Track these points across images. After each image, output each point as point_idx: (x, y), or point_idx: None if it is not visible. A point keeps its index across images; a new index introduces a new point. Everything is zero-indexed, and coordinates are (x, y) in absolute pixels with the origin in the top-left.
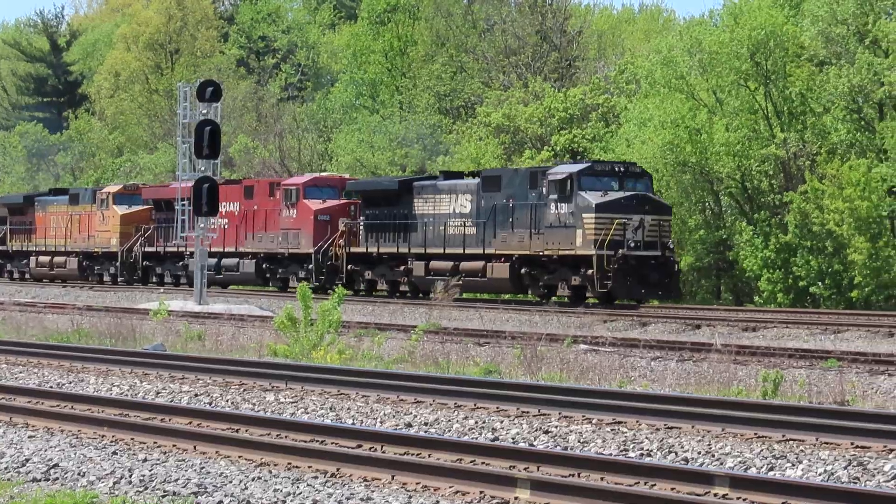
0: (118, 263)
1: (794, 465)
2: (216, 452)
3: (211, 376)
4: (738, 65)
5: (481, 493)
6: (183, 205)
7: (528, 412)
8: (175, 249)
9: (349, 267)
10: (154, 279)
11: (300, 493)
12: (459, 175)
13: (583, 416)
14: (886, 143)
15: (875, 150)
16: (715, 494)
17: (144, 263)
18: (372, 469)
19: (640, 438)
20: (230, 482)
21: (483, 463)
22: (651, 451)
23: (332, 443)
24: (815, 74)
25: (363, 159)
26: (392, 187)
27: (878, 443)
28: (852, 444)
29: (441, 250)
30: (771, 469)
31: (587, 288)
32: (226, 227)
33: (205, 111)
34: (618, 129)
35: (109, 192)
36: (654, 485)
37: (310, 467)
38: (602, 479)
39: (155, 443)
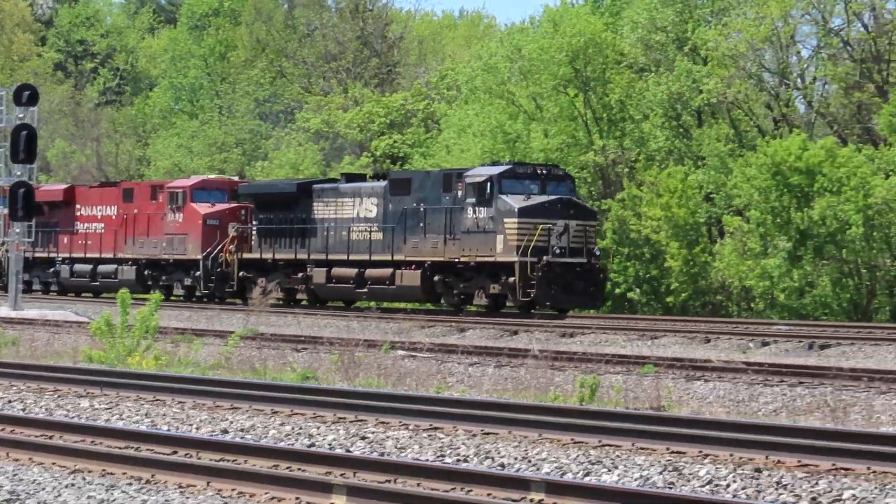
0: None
1: (610, 470)
2: (29, 459)
3: (25, 382)
4: (557, 71)
5: (297, 499)
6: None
7: (344, 418)
8: (45, 255)
9: (241, 274)
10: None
11: (114, 500)
12: (363, 178)
13: (400, 422)
14: (703, 150)
15: (692, 157)
16: (531, 500)
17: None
18: (187, 475)
19: (457, 444)
20: (43, 489)
21: (299, 469)
22: (468, 456)
23: (147, 449)
24: (635, 81)
25: (181, 164)
26: (289, 190)
27: (693, 448)
28: (668, 449)
29: (345, 256)
30: (587, 474)
31: (507, 297)
32: (102, 231)
33: (21, 115)
34: (438, 135)
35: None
36: (471, 490)
37: (124, 474)
38: (418, 484)
39: None
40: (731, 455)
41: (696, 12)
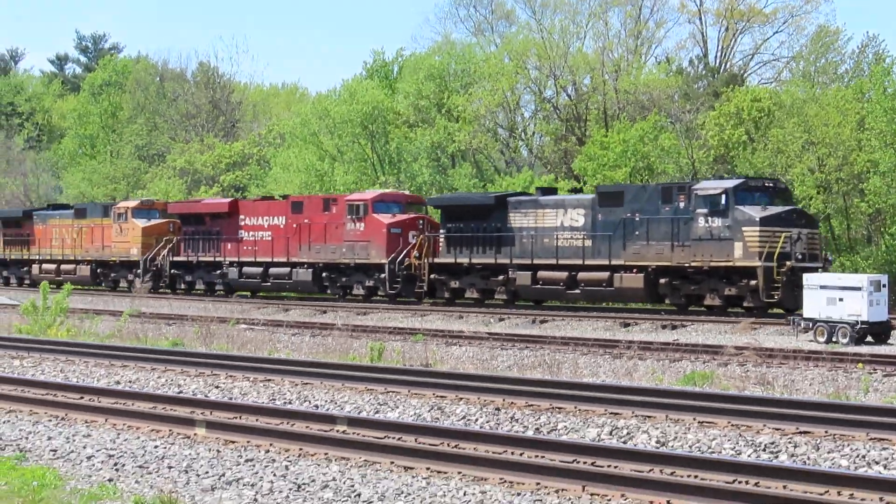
0: (139, 270)
1: (393, 409)
2: None
3: None
4: (353, 129)
5: (170, 430)
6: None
7: (203, 373)
8: (212, 259)
9: (432, 276)
10: (182, 286)
11: (38, 432)
12: (553, 191)
13: (243, 376)
14: (456, 183)
15: (449, 188)
16: (337, 430)
17: (173, 271)
18: (91, 414)
19: (284, 391)
20: None
21: (171, 409)
22: (292, 400)
23: (61, 395)
24: (408, 133)
25: (86, 192)
26: (486, 202)
27: (452, 393)
28: (434, 394)
29: (552, 261)
30: (377, 412)
31: (745, 298)
32: (270, 239)
33: None
34: (269, 171)
35: (128, 207)
36: (294, 424)
37: (46, 413)
38: (257, 420)
39: None
40: (479, 398)
41: (450, 84)
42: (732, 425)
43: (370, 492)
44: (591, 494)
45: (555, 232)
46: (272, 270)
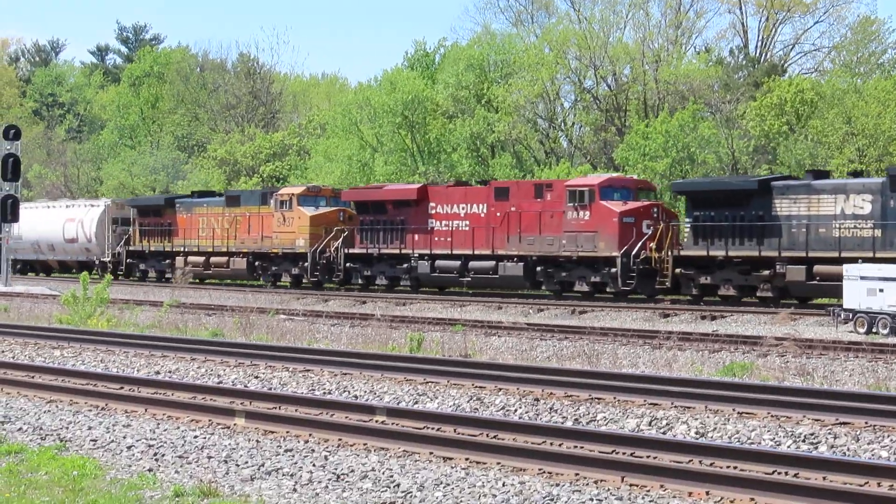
0: (307, 264)
1: (432, 399)
2: (17, 392)
3: (13, 337)
4: (393, 118)
5: (210, 420)
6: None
7: (243, 363)
8: (397, 251)
9: (677, 270)
10: (359, 280)
11: (79, 422)
12: (826, 174)
13: (283, 366)
14: (496, 173)
15: (489, 179)
16: (376, 420)
17: (348, 265)
18: (131, 404)
19: (324, 382)
20: (28, 414)
21: (211, 399)
22: (331, 390)
23: (102, 385)
24: (447, 124)
25: (125, 183)
26: (746, 187)
27: (491, 384)
28: (473, 385)
29: (834, 254)
30: (416, 403)
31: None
32: (467, 229)
33: (9, 147)
34: (308, 161)
35: (293, 194)
36: (333, 414)
37: (86, 403)
38: (296, 410)
39: None
40: (518, 389)
41: (489, 75)
42: (772, 416)
43: (409, 482)
44: (630, 485)
45: (833, 221)
46: (472, 264)
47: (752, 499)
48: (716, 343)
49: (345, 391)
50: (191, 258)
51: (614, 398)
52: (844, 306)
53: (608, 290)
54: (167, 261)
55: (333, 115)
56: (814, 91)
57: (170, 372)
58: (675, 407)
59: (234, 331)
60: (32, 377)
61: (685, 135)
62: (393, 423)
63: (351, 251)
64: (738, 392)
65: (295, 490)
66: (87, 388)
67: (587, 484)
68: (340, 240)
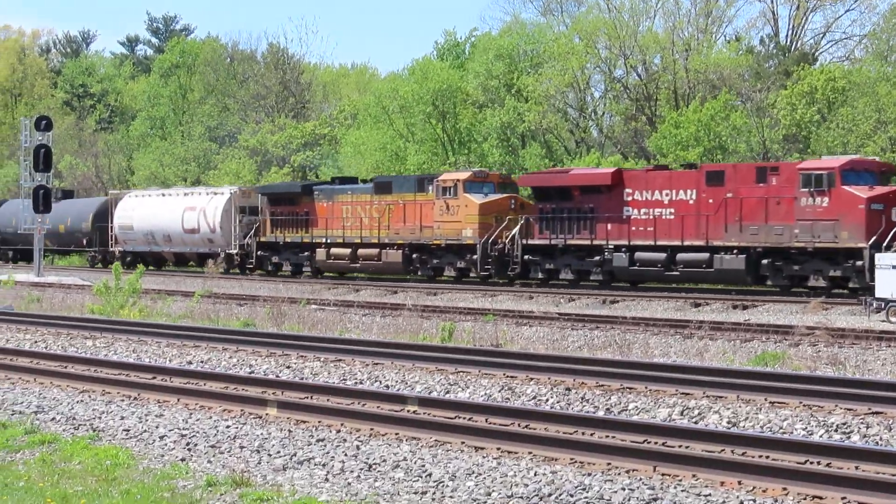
0: (475, 256)
1: (463, 389)
2: (51, 383)
3: (46, 328)
4: (424, 108)
5: (242, 410)
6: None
7: (275, 353)
8: (586, 242)
9: None
10: (539, 274)
11: (111, 412)
12: None
13: (314, 356)
14: (526, 163)
15: (519, 169)
16: (408, 410)
17: (526, 257)
18: (164, 394)
19: (355, 371)
20: (61, 404)
21: (243, 389)
22: (363, 380)
23: (134, 375)
24: (477, 114)
25: (156, 172)
26: None
27: (522, 374)
28: (504, 374)
29: None
30: (447, 392)
31: None
32: (671, 217)
33: (40, 138)
34: (338, 151)
35: (458, 180)
36: (365, 404)
37: (118, 393)
38: (328, 400)
39: (6, 376)
40: (549, 378)
41: (519, 65)
42: (804, 405)
43: (441, 471)
44: (663, 475)
45: None
46: (681, 256)
47: (784, 488)
48: (747, 332)
49: (376, 381)
50: (333, 250)
51: (646, 388)
52: (876, 296)
53: (850, 284)
54: (305, 253)
55: (365, 103)
56: (846, 79)
57: (202, 362)
58: (707, 396)
59: (266, 321)
60: (65, 367)
61: (716, 124)
62: (424, 413)
63: (531, 242)
64: (769, 381)
65: (327, 479)
66: (119, 378)
67: (619, 473)
68: (517, 230)
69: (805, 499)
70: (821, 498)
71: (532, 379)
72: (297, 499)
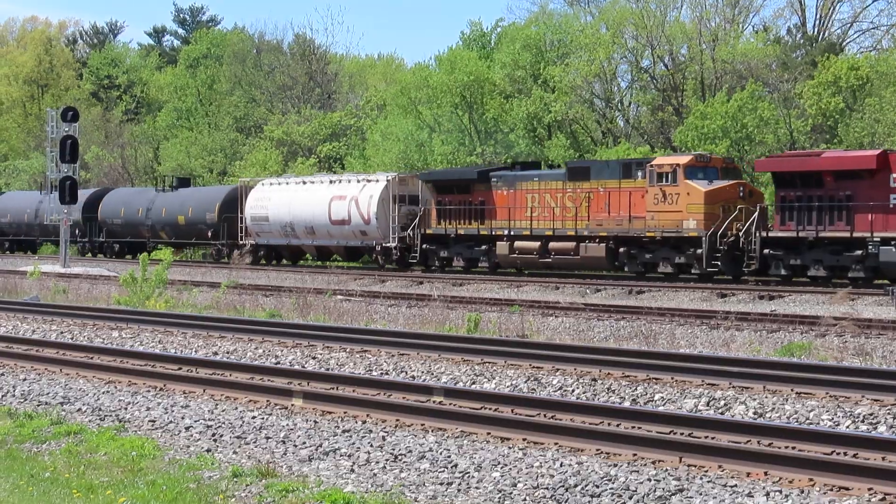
0: (699, 250)
1: (489, 380)
2: (77, 374)
3: (72, 319)
4: (451, 98)
5: (268, 401)
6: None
7: (300, 344)
8: (846, 235)
9: None
10: (781, 270)
11: (137, 402)
12: None
13: (340, 347)
14: (551, 154)
15: (545, 160)
16: (434, 401)
17: (767, 251)
18: (189, 385)
19: (381, 362)
20: (87, 395)
21: (269, 380)
22: (388, 370)
23: (160, 366)
24: (504, 104)
25: (183, 164)
26: None
27: (548, 364)
28: (530, 365)
29: None
30: (473, 383)
31: None
32: None
33: (67, 129)
34: (365, 142)
35: (677, 164)
36: (391, 395)
37: (144, 384)
38: (354, 391)
39: (32, 367)
40: (575, 369)
41: (546, 55)
42: (831, 396)
43: (467, 462)
44: (689, 465)
45: None
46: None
47: (811, 479)
48: (774, 323)
49: (402, 372)
50: (518, 243)
51: (672, 378)
52: None
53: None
54: (482, 246)
55: (392, 93)
56: (871, 68)
57: (228, 353)
58: (734, 387)
59: (292, 312)
60: (91, 358)
61: (744, 115)
62: (450, 404)
63: (771, 234)
64: (796, 372)
65: (352, 470)
66: (145, 368)
67: (645, 464)
68: (753, 221)
69: (831, 490)
70: (847, 489)
71: (558, 370)
72: (323, 490)
